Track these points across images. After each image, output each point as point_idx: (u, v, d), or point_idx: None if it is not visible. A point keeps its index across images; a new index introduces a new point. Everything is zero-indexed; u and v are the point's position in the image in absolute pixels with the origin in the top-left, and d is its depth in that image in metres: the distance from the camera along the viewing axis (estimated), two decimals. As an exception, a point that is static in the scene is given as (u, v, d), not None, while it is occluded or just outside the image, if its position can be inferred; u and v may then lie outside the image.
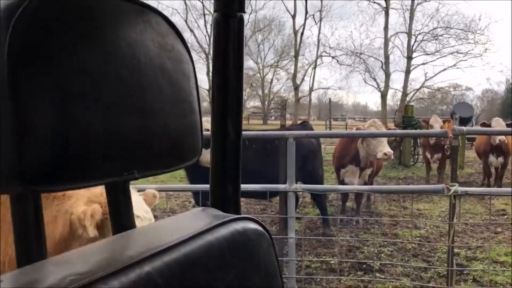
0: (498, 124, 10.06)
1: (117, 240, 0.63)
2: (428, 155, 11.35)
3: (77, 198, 1.65)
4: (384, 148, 6.57)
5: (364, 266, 5.25)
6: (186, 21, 22.52)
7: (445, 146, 10.12)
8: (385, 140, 6.70)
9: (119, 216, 0.68)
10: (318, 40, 18.81)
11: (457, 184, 3.43)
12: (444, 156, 10.80)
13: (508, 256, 5.64)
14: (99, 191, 1.64)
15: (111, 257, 0.54)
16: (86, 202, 1.63)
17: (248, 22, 22.08)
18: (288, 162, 3.78)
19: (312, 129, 6.85)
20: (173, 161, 0.63)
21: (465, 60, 20.16)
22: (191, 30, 21.41)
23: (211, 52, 0.81)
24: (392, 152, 6.56)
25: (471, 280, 4.92)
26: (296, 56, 18.09)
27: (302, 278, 4.57)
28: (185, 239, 0.58)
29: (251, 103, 66.81)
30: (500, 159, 10.52)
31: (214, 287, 0.60)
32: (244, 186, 4.22)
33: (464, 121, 14.78)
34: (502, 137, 9.55)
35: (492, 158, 10.58)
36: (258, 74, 50.81)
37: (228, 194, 0.80)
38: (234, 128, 0.79)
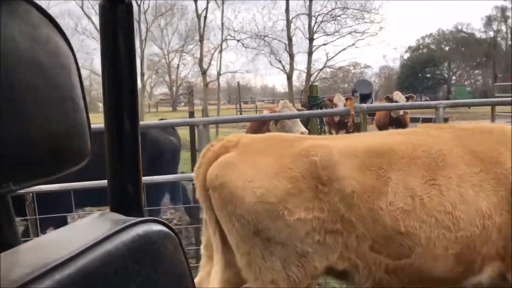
0: (399, 97, 10.74)
1: None
2: (334, 132, 11.89)
3: None
4: (300, 128, 6.69)
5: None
6: (82, 8, 21.27)
7: (348, 124, 10.68)
8: (298, 120, 6.84)
9: (0, 233, 0.60)
10: (222, 24, 18.76)
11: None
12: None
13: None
14: None
15: None
16: None
17: (149, 7, 21.38)
18: (199, 150, 3.73)
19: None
20: (57, 166, 0.56)
21: (363, 39, 21.32)
22: (89, 17, 20.27)
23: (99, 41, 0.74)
24: (307, 131, 6.74)
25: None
26: (201, 40, 17.89)
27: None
28: (79, 252, 0.53)
29: (158, 90, 65.38)
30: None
31: None
32: (155, 178, 4.11)
33: (364, 97, 15.68)
34: (405, 110, 10.29)
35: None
36: (163, 60, 49.73)
37: (129, 195, 0.74)
38: (130, 120, 0.73)
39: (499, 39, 61.09)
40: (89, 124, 0.59)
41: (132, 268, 0.58)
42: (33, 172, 0.52)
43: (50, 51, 0.54)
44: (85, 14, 20.10)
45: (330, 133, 12.32)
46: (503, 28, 60.25)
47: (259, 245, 2.15)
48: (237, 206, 2.14)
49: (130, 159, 0.75)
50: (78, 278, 0.50)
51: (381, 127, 12.02)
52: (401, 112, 10.62)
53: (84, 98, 0.59)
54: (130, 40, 0.72)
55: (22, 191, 2.07)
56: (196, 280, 2.60)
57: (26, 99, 0.50)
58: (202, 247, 2.64)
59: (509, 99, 9.90)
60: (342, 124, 11.38)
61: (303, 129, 6.71)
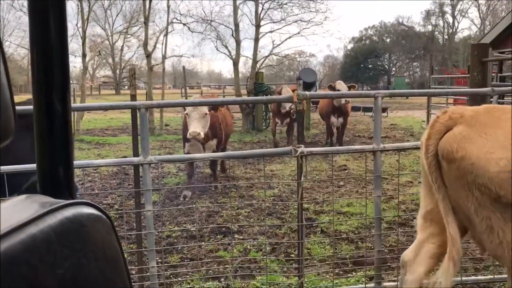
0: (342, 86, 11.05)
1: None
2: (278, 121, 12.00)
3: None
4: (190, 128, 6.57)
5: (224, 229, 5.42)
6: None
7: (291, 111, 10.82)
8: (196, 119, 6.62)
9: None
10: (168, 6, 18.26)
11: (303, 146, 3.67)
12: (292, 120, 11.53)
13: (349, 207, 6.31)
14: None
15: None
16: None
17: (92, -16, 20.44)
18: (141, 134, 3.65)
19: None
20: None
21: (308, 28, 21.56)
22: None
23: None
24: (198, 132, 6.45)
25: (319, 232, 5.41)
26: (146, 23, 17.36)
27: (162, 249, 4.55)
28: (0, 235, 0.50)
29: (101, 72, 63.17)
30: (341, 119, 11.64)
31: (42, 286, 0.53)
32: (96, 162, 3.98)
33: (309, 85, 15.90)
34: (348, 99, 10.83)
35: (333, 119, 11.65)
36: (106, 41, 48.02)
37: (59, 177, 0.72)
38: (60, 101, 0.70)
39: (436, 33, 63.86)
40: (13, 102, 0.56)
41: (61, 253, 0.56)
42: None
43: None
44: (22, -11, 18.95)
45: (273, 120, 12.41)
46: (441, 23, 63.02)
47: (500, 210, 2.37)
48: (478, 175, 2.37)
49: (60, 141, 0.72)
50: None
51: (324, 115, 12.31)
52: (343, 101, 10.93)
53: (7, 75, 0.56)
54: (62, 14, 0.69)
55: None
56: (415, 243, 2.95)
57: None
58: (419, 215, 2.93)
59: (444, 90, 10.43)
60: (286, 112, 11.48)
61: (192, 129, 6.59)
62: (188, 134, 6.56)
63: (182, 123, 7.81)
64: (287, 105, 10.68)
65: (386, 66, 68.23)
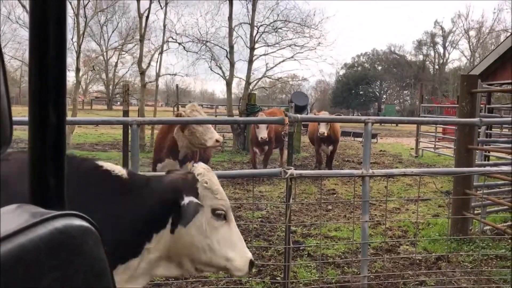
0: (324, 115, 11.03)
1: None
2: (257, 150, 10.95)
3: None
4: (213, 134, 5.77)
5: (210, 250, 5.36)
6: (16, -6, 20.09)
7: (282, 133, 10.82)
8: (211, 126, 6.07)
9: None
10: (164, 25, 18.41)
11: (292, 168, 3.69)
12: (282, 141, 11.54)
13: (337, 231, 6.30)
14: None
15: None
16: None
17: (89, 1, 20.56)
18: (131, 150, 3.65)
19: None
20: None
21: (302, 53, 21.75)
22: (23, 6, 19.16)
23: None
24: (266, 137, 6.01)
25: (306, 255, 5.38)
26: (141, 40, 17.46)
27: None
28: None
29: (94, 87, 63.11)
30: (330, 147, 11.47)
31: None
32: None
33: (300, 108, 16.05)
34: (322, 131, 10.51)
35: (323, 147, 11.52)
36: (101, 57, 48.10)
37: (50, 188, 0.72)
38: (55, 112, 0.71)
39: (427, 63, 64.98)
40: (10, 111, 0.57)
41: (48, 264, 0.56)
42: None
43: None
44: (20, 2, 18.98)
45: (253, 152, 11.69)
46: (432, 53, 64.19)
47: None
48: None
49: (54, 151, 0.72)
50: None
51: (313, 141, 12.23)
52: (319, 132, 10.74)
53: (6, 85, 0.57)
54: (62, 31, 0.70)
55: None
56: None
57: None
58: None
59: (433, 119, 10.57)
60: (264, 142, 10.65)
61: (216, 135, 5.86)
62: (212, 142, 5.71)
63: (156, 141, 6.73)
64: (261, 134, 10.05)
65: (377, 93, 69.06)
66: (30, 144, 0.72)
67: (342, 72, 67.97)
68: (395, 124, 39.51)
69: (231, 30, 17.77)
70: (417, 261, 5.15)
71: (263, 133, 10.03)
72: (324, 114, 11.29)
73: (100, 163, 2.27)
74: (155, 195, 2.24)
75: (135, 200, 2.21)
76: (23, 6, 18.89)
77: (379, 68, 68.54)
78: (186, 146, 5.93)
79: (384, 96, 69.26)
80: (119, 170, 2.27)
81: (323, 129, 10.55)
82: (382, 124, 38.01)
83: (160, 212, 2.23)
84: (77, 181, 2.03)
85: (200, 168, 2.35)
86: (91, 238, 0.64)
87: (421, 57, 64.99)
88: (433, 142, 16.74)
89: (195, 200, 2.23)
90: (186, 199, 2.22)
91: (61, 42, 0.70)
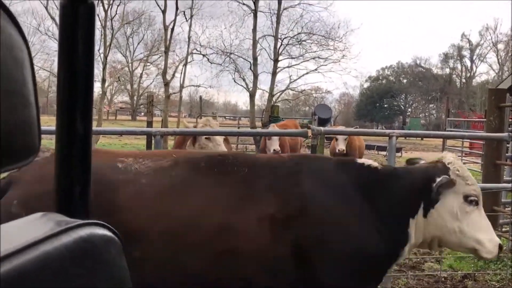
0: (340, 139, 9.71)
1: None
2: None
3: None
4: (223, 148, 5.82)
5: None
6: (46, 8, 20.71)
7: (305, 145, 10.75)
8: (222, 142, 5.86)
9: None
10: (189, 38, 18.73)
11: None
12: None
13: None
14: None
15: None
16: None
17: (116, 13, 21.07)
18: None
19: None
20: (1, 161, 0.54)
21: (325, 65, 21.75)
22: (53, 18, 19.73)
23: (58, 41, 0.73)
24: (279, 149, 5.66)
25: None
26: (166, 52, 17.75)
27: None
28: (16, 251, 0.51)
29: (119, 98, 64.27)
30: None
31: None
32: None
33: (323, 121, 15.99)
34: (341, 148, 9.42)
35: None
36: (126, 68, 48.99)
37: (75, 196, 0.73)
38: (82, 123, 0.72)
39: (454, 76, 64.01)
40: (38, 121, 0.58)
41: (72, 272, 0.57)
42: None
43: (3, 43, 0.53)
44: (49, 14, 19.56)
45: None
46: (459, 66, 63.25)
47: None
48: None
49: (80, 161, 0.74)
50: (12, 277, 0.49)
51: (333, 154, 11.31)
52: (338, 149, 9.53)
53: (36, 94, 0.58)
54: (90, 42, 0.71)
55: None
56: None
57: None
58: None
59: (459, 133, 10.35)
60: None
61: (224, 148, 5.85)
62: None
63: None
64: (274, 146, 9.14)
65: (402, 106, 68.28)
66: (56, 153, 0.73)
67: (366, 85, 67.50)
68: (420, 138, 38.94)
69: (255, 42, 17.91)
70: (442, 279, 5.02)
71: (275, 144, 9.19)
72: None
73: (360, 161, 2.66)
74: (407, 182, 2.51)
75: (393, 189, 2.50)
76: (52, 18, 19.46)
77: (404, 81, 67.83)
78: None
79: (409, 109, 68.42)
80: (372, 163, 2.62)
81: (342, 145, 9.49)
82: (407, 138, 37.58)
83: (414, 198, 2.48)
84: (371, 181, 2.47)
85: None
86: (114, 248, 0.65)
87: (447, 70, 64.09)
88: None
89: (445, 179, 2.43)
90: (438, 182, 2.43)
91: (89, 54, 0.72)
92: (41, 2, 20.42)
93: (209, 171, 2.35)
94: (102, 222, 0.65)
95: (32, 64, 0.58)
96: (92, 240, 0.61)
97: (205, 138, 5.74)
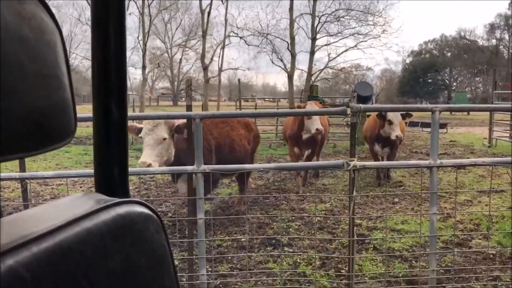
0: (396, 118, 8.30)
1: None
2: (298, 150, 8.87)
3: None
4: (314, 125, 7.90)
5: (273, 241, 5.41)
6: (86, -2, 21.20)
7: (345, 123, 10.58)
8: (149, 146, 5.17)
9: None
10: (226, 20, 18.74)
11: (355, 159, 3.62)
12: (315, 146, 8.96)
13: (404, 225, 6.12)
14: None
15: None
16: None
17: (153, 0, 21.27)
18: (195, 144, 3.73)
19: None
20: (41, 142, 0.56)
21: (365, 41, 21.32)
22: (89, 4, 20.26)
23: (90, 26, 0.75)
24: (148, 162, 5.09)
25: (371, 249, 5.27)
26: (204, 36, 17.85)
27: (212, 258, 4.60)
28: (58, 227, 0.54)
29: (160, 84, 65.42)
30: (386, 149, 8.85)
31: (94, 275, 0.56)
32: (152, 169, 4.12)
33: (365, 99, 15.66)
34: (399, 134, 8.20)
35: (377, 147, 8.95)
36: (166, 54, 49.66)
37: (114, 177, 0.75)
38: (118, 106, 0.74)
39: (501, 47, 61.12)
40: (73, 102, 0.60)
41: (112, 247, 0.59)
42: (17, 146, 0.53)
43: (36, 28, 0.54)
44: (89, 4, 20.09)
45: (293, 152, 9.08)
46: (506, 36, 60.28)
47: None
48: None
49: (117, 146, 0.76)
50: (55, 252, 0.52)
51: (367, 139, 9.57)
52: (393, 137, 8.24)
53: (69, 77, 0.60)
54: (121, 29, 0.73)
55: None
56: None
57: (10, 74, 0.50)
58: None
59: (507, 105, 9.86)
60: (310, 140, 8.65)
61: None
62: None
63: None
64: (314, 126, 8.01)
65: (446, 81, 66.00)
66: (94, 137, 0.76)
67: (408, 60, 65.59)
68: (466, 113, 37.53)
69: (292, 21, 17.69)
70: (491, 255, 4.89)
71: (317, 124, 8.01)
72: (395, 116, 8.40)
73: None
74: None
75: None
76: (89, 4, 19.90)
77: (449, 54, 65.42)
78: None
79: (455, 84, 66.06)
80: None
81: (397, 131, 8.19)
82: (453, 113, 36.35)
83: None
84: None
85: None
86: (153, 225, 0.67)
87: (494, 41, 61.25)
88: (508, 131, 15.74)
89: None
90: None
91: (121, 40, 0.73)
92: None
93: None
94: (140, 200, 0.67)
95: (64, 47, 0.60)
96: (131, 217, 0.63)
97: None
